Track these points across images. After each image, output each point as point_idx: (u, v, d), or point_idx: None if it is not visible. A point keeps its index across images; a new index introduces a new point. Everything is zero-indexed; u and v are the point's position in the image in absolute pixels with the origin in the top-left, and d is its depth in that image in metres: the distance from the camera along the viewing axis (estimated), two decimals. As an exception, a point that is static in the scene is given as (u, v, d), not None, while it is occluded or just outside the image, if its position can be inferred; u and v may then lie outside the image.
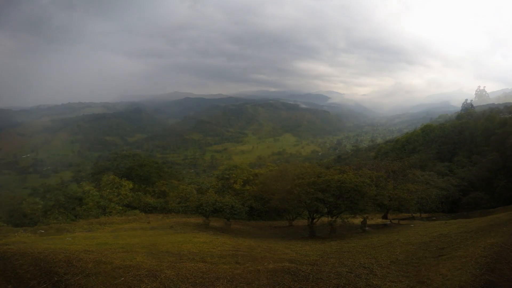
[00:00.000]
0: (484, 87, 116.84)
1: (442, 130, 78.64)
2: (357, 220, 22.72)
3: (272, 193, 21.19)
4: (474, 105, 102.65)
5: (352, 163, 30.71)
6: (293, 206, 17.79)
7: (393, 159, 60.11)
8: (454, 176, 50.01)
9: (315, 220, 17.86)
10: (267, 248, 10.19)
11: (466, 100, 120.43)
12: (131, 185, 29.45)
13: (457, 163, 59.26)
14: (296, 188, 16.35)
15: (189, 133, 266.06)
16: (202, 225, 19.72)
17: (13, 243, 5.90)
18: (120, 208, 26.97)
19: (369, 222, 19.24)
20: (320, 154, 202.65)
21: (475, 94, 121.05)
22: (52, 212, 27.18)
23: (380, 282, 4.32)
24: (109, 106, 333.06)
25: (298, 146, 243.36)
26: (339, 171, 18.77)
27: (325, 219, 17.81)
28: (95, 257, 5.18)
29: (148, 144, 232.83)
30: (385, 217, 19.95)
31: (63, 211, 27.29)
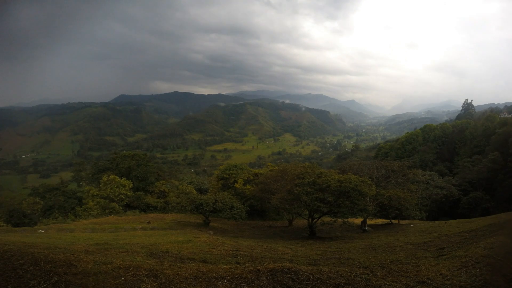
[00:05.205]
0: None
1: (442, 130, 78.73)
2: (357, 220, 22.73)
3: (272, 193, 21.20)
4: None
5: (347, 164, 30.60)
6: (293, 206, 17.79)
7: (393, 159, 60.25)
8: (454, 176, 50.05)
9: (315, 220, 17.87)
10: (267, 248, 10.20)
11: (467, 100, 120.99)
12: (131, 185, 29.48)
13: (457, 163, 59.28)
14: (296, 188, 16.35)
15: (189, 133, 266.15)
16: (202, 225, 19.76)
17: (13, 243, 5.90)
18: (120, 208, 27.00)
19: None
20: (320, 154, 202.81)
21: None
22: (52, 212, 27.23)
23: (380, 282, 4.32)
24: (109, 106, 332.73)
25: (298, 146, 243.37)
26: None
27: (325, 219, 17.81)
28: (95, 257, 5.18)
29: (148, 144, 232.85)
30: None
31: (63, 211, 27.35)
